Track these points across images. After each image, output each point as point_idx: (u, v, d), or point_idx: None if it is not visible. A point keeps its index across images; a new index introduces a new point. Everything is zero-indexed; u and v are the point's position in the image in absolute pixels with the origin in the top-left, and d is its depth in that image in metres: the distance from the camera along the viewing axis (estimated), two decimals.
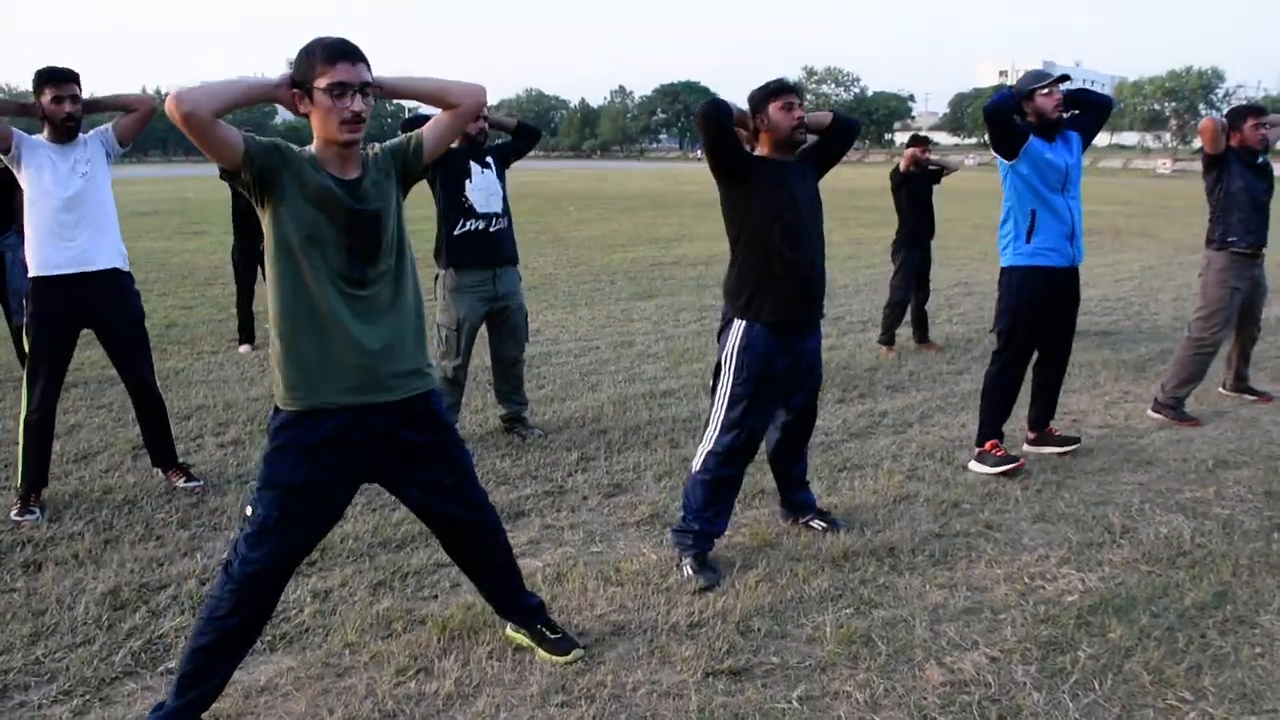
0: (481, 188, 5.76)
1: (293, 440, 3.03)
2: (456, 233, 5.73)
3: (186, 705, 3.04)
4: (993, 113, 5.33)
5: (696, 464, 4.32)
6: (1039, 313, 5.48)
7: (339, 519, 3.28)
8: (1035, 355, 5.72)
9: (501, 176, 5.94)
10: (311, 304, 2.97)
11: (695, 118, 4.25)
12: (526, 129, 6.28)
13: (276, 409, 3.08)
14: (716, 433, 4.27)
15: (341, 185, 2.99)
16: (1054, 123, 5.31)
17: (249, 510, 3.05)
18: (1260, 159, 6.53)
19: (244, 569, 3.01)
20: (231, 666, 3.15)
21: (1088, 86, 5.66)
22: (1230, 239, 6.45)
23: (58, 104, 4.78)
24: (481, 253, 5.78)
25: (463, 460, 3.39)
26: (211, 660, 3.06)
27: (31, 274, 4.87)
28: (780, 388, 4.35)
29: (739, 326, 4.26)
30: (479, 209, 5.74)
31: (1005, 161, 5.38)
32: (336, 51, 2.90)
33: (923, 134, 9.60)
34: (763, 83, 4.32)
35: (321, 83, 2.88)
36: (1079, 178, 5.43)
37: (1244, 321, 6.81)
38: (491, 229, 5.78)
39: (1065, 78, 5.36)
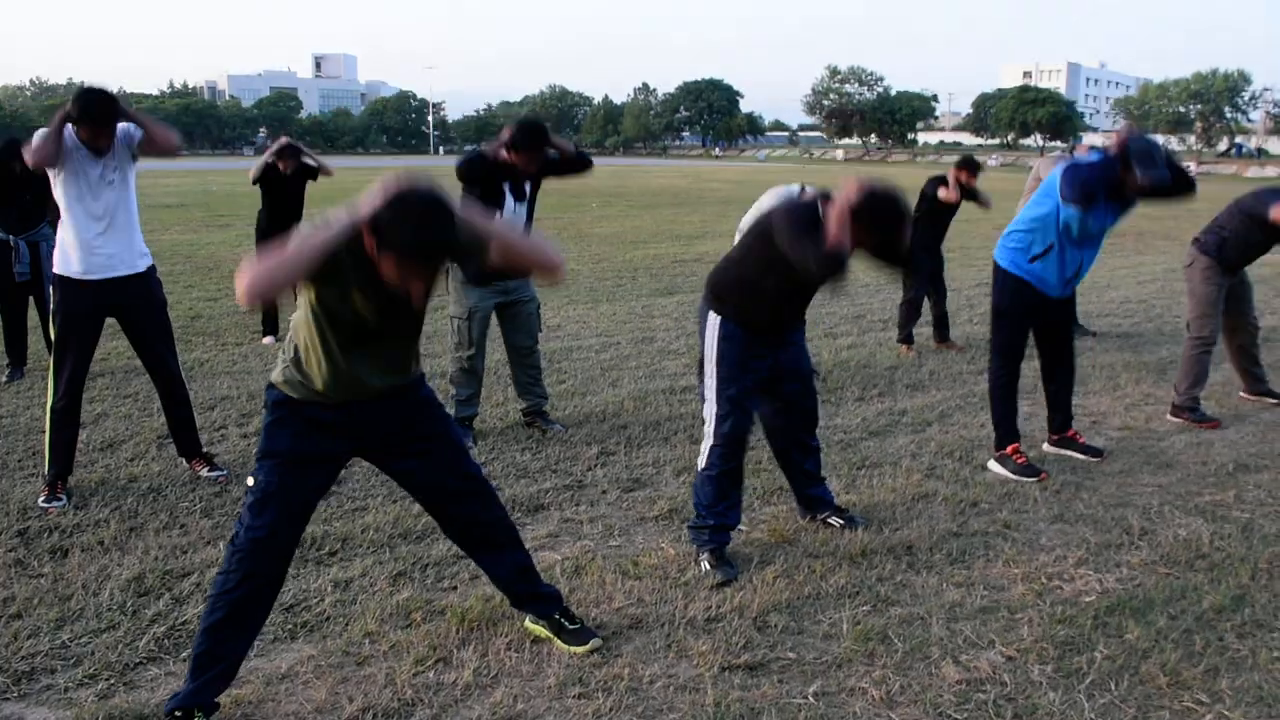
0: (509, 218, 5.80)
1: (289, 414, 3.18)
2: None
3: (202, 686, 3.09)
4: (1090, 191, 5.12)
5: (702, 461, 4.35)
6: (1030, 317, 5.54)
7: (332, 484, 3.44)
8: (1040, 366, 5.79)
9: (533, 203, 6.00)
10: (333, 356, 3.09)
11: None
12: (582, 160, 6.30)
13: (272, 385, 3.21)
14: (714, 426, 4.30)
15: (396, 300, 3.00)
16: (1123, 197, 5.26)
17: (251, 480, 3.18)
18: None
19: (250, 535, 3.13)
20: (245, 645, 3.21)
21: (1185, 169, 5.48)
22: (1223, 258, 6.49)
23: (94, 140, 4.79)
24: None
25: (451, 434, 3.47)
26: (224, 637, 3.12)
27: (57, 271, 4.94)
28: (765, 375, 4.39)
29: (716, 320, 4.30)
30: None
31: (1058, 196, 5.24)
32: (415, 255, 2.81)
33: (976, 158, 9.27)
34: None
35: (388, 268, 2.84)
36: (1104, 237, 5.44)
37: (1235, 319, 6.77)
38: None
39: (1161, 170, 5.09)
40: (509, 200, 5.78)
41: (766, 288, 4.18)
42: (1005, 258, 5.50)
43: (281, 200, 9.13)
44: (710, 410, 4.33)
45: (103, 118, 4.75)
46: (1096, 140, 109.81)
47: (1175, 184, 5.23)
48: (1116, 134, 5.27)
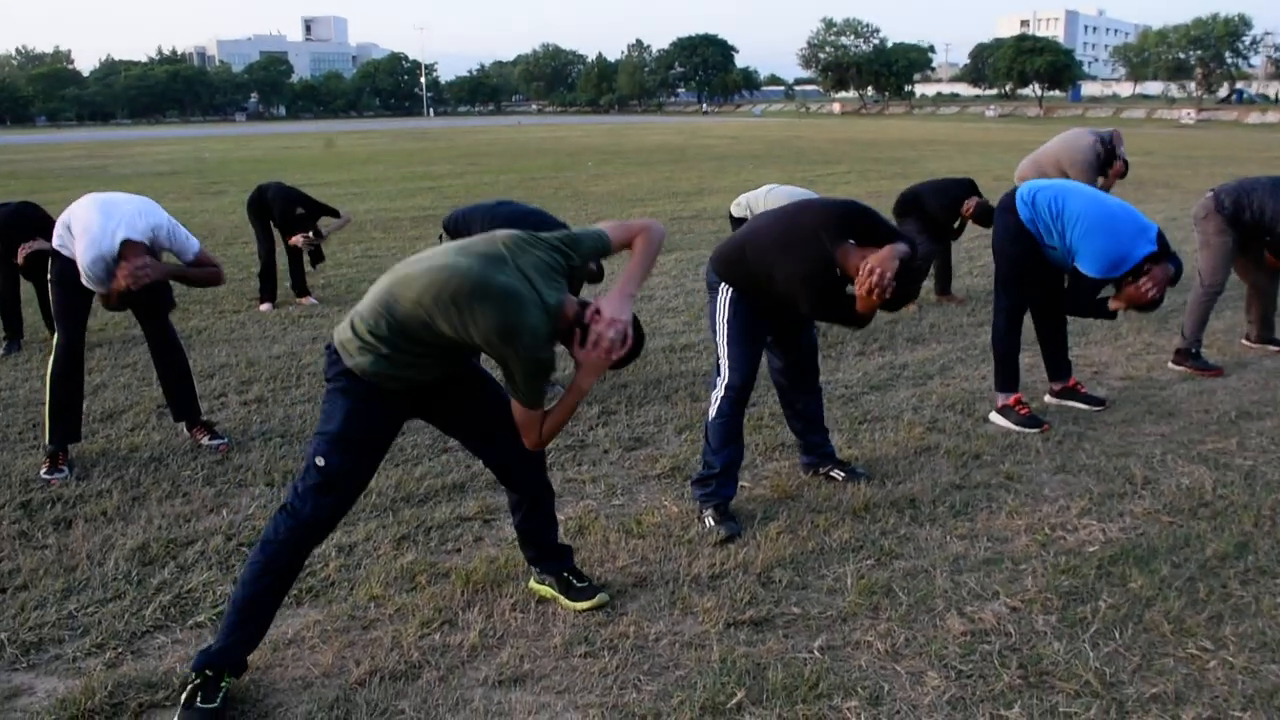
0: None
1: (360, 392, 3.14)
2: None
3: (234, 645, 3.11)
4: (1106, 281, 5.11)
5: (712, 410, 4.36)
6: (1033, 259, 5.47)
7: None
8: (1032, 314, 5.76)
9: None
10: (431, 369, 3.20)
11: None
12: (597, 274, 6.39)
13: (343, 369, 3.14)
14: (727, 377, 4.32)
15: None
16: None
17: (321, 460, 3.12)
18: None
19: (314, 514, 3.15)
20: (277, 608, 3.25)
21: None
22: (1236, 223, 6.46)
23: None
24: None
25: (479, 369, 3.51)
26: (266, 603, 3.17)
27: (56, 245, 4.94)
28: (773, 323, 4.46)
29: (728, 291, 4.35)
30: None
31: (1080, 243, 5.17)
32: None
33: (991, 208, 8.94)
34: None
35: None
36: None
37: (1254, 261, 6.73)
38: None
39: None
40: None
41: (775, 295, 4.19)
42: (1026, 214, 5.41)
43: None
44: (724, 362, 4.35)
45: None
46: (1095, 89, 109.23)
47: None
48: (1156, 275, 4.98)
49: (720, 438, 4.35)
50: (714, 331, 4.43)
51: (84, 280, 4.73)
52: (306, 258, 9.13)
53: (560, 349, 3.22)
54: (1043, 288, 5.62)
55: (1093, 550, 3.99)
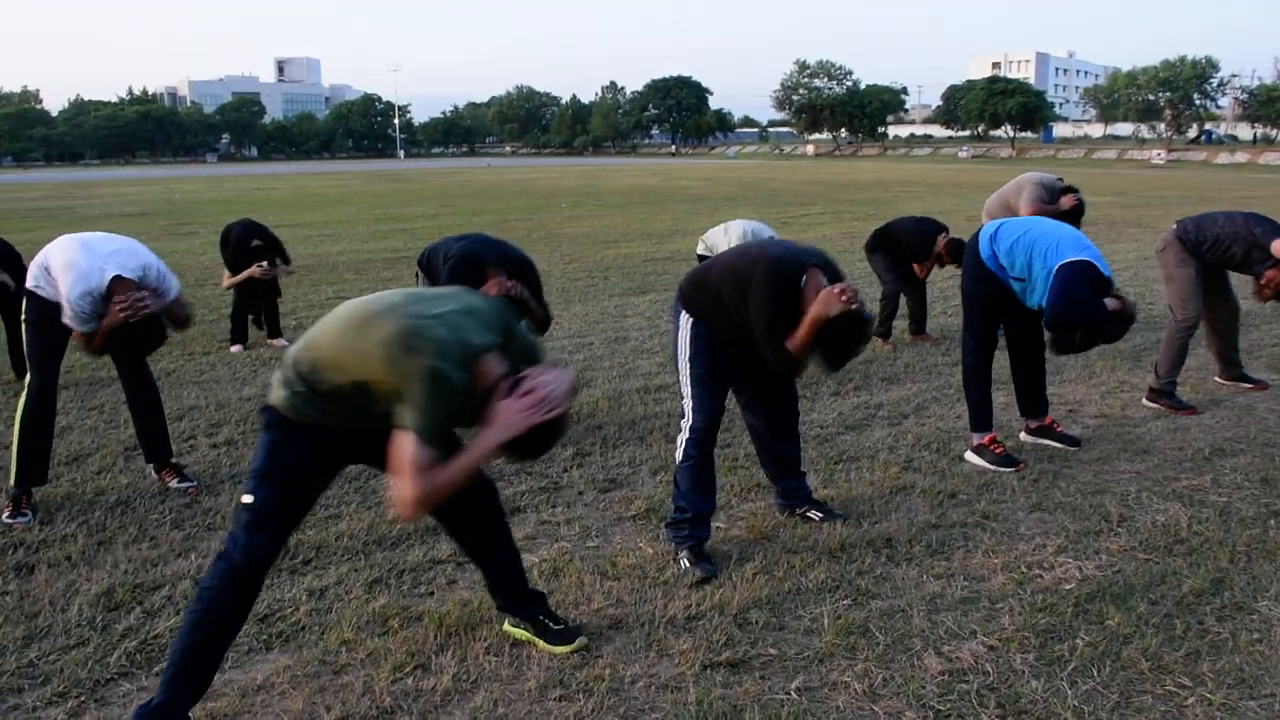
0: None
1: (291, 432, 3.09)
2: None
3: (175, 698, 3.01)
4: (1071, 325, 5.12)
5: (679, 453, 4.34)
6: (1001, 303, 5.52)
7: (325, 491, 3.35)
8: (1009, 352, 5.79)
9: None
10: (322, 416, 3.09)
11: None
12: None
13: (272, 408, 3.12)
14: (691, 419, 4.31)
15: None
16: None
17: (249, 498, 3.07)
18: None
19: (247, 554, 3.06)
20: (222, 657, 3.16)
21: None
22: (1197, 254, 6.53)
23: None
24: None
25: None
26: (209, 650, 3.07)
27: (30, 287, 4.89)
28: (743, 363, 4.40)
29: (689, 321, 4.33)
30: None
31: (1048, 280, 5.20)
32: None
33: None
34: None
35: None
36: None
37: (1215, 299, 6.76)
38: None
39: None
40: None
41: (737, 321, 4.18)
42: (985, 250, 5.47)
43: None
44: (688, 405, 4.32)
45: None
46: (1067, 130, 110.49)
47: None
48: (1120, 302, 5.14)
49: (690, 481, 4.32)
50: (676, 367, 4.41)
51: (66, 318, 4.66)
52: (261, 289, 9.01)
53: None
54: (1014, 325, 5.64)
55: (1069, 588, 3.98)
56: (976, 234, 5.60)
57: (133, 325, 4.65)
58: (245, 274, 8.65)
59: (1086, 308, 5.04)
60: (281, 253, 9.01)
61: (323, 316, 3.13)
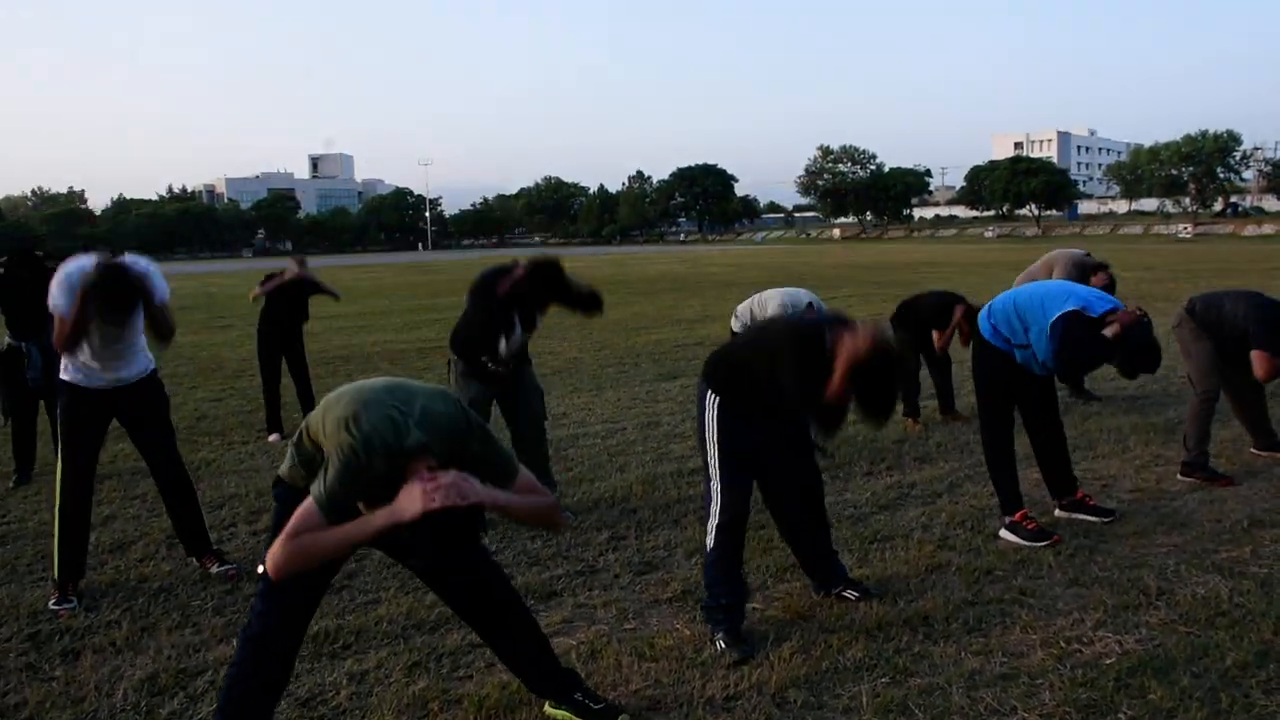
0: (514, 343, 5.99)
1: (281, 494, 3.28)
2: (478, 357, 5.96)
3: None
4: (1077, 368, 5.35)
5: (710, 541, 4.36)
6: (1012, 382, 5.60)
7: (343, 564, 3.44)
8: (1027, 430, 5.81)
9: (534, 328, 6.18)
10: None
11: None
12: (594, 300, 6.28)
13: (281, 480, 3.31)
14: (719, 505, 4.34)
15: None
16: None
17: (263, 568, 3.11)
18: None
19: (263, 623, 3.19)
20: None
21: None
22: (1207, 330, 6.56)
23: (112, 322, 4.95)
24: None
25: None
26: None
27: (64, 378, 5.02)
28: (767, 448, 4.45)
29: (714, 400, 4.36)
30: (501, 354, 5.95)
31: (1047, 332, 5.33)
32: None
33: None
34: None
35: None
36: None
37: (1236, 373, 6.75)
38: (505, 369, 6.02)
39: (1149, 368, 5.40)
40: (518, 328, 5.95)
41: (766, 389, 4.20)
42: (987, 329, 5.58)
43: (284, 304, 9.25)
44: (714, 489, 4.36)
45: (120, 318, 4.95)
46: (1092, 207, 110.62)
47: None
48: (1120, 318, 5.22)
49: (721, 571, 4.35)
50: (702, 450, 4.44)
51: (51, 302, 4.83)
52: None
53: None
54: (1029, 402, 5.68)
55: (1110, 662, 3.95)
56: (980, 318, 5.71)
57: (107, 289, 4.78)
58: (277, 280, 9.12)
59: (1087, 351, 5.20)
60: (326, 290, 9.64)
61: None
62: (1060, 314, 5.23)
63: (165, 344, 5.24)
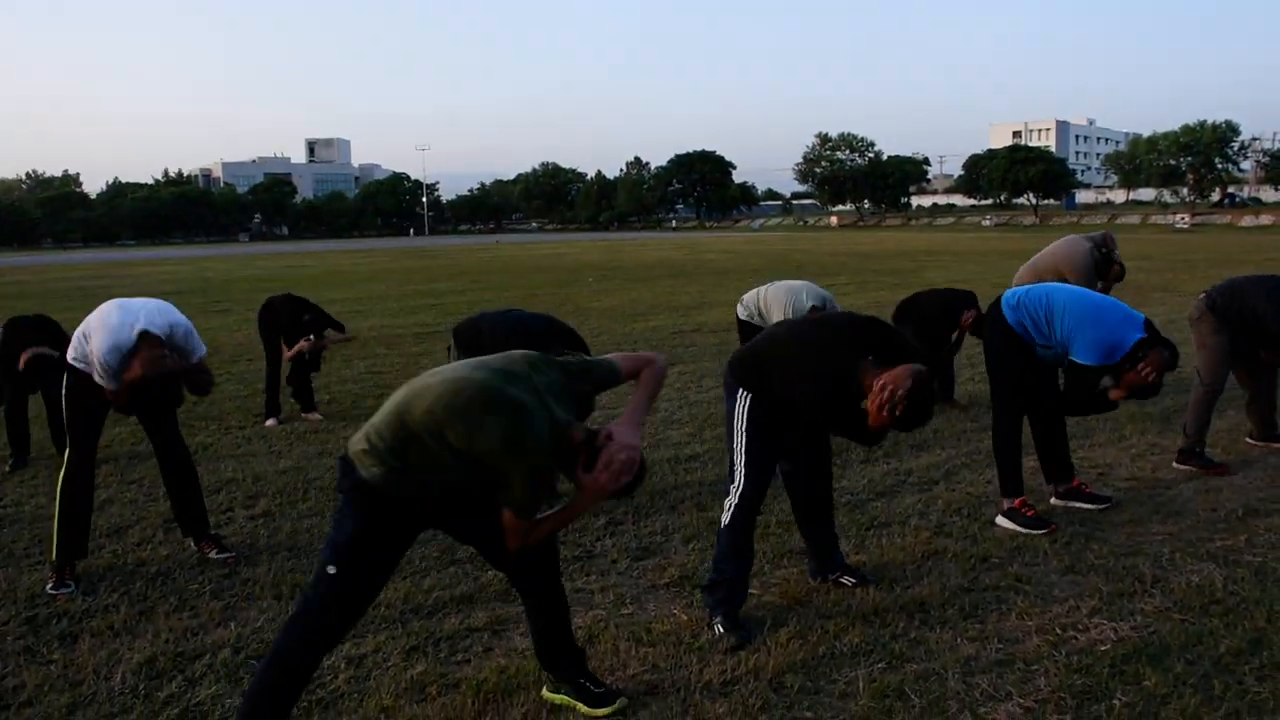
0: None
1: (373, 502, 3.16)
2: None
3: None
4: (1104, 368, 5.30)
5: (726, 517, 4.37)
6: (1027, 366, 5.60)
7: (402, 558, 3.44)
8: (1028, 418, 5.82)
9: None
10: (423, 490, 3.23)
11: None
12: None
13: (360, 479, 3.15)
14: (742, 486, 4.34)
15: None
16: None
17: (332, 569, 3.14)
18: None
19: (326, 621, 3.19)
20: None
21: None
22: (1225, 323, 6.57)
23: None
24: None
25: None
26: (276, 712, 3.22)
27: (72, 359, 5.02)
28: (792, 436, 4.49)
29: (747, 397, 4.38)
30: None
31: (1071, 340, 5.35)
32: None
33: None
34: None
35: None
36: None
37: (1252, 364, 6.80)
38: None
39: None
40: None
41: (792, 405, 4.25)
42: (1012, 316, 5.54)
43: (287, 303, 9.24)
44: (740, 471, 4.37)
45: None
46: (1089, 197, 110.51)
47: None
48: (1154, 359, 5.14)
49: (733, 545, 4.36)
50: (730, 436, 4.46)
51: (97, 375, 4.84)
52: (307, 359, 9.15)
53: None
54: (1036, 392, 5.68)
55: (1105, 649, 3.97)
56: (997, 302, 5.67)
57: (151, 381, 4.80)
58: (298, 348, 8.84)
59: (1093, 401, 5.39)
60: (334, 324, 9.33)
61: (401, 388, 3.24)
62: (1083, 366, 5.26)
63: (203, 394, 5.37)
